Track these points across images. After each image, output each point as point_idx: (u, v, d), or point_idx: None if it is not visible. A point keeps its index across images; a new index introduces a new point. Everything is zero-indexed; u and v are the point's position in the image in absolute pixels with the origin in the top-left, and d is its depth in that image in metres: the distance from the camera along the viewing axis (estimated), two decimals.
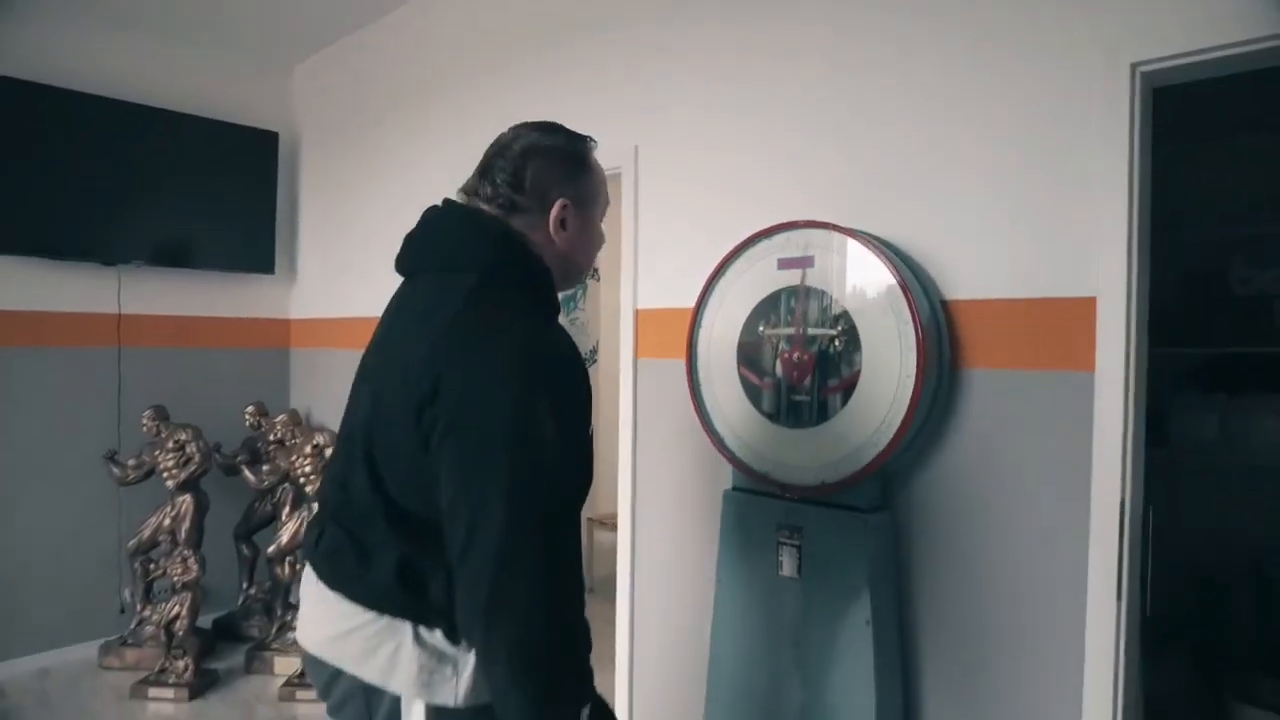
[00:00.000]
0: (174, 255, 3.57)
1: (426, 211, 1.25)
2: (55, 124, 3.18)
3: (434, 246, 1.21)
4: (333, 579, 1.17)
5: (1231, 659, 2.36)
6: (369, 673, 1.11)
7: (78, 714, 2.91)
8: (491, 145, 1.24)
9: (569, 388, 1.08)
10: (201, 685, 3.09)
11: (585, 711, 1.06)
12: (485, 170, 1.21)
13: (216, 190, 3.67)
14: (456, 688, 1.09)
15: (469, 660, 1.08)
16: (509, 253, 1.16)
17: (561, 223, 1.20)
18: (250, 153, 3.78)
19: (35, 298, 3.27)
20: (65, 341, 3.34)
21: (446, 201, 1.24)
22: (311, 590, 1.21)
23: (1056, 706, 1.61)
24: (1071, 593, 1.59)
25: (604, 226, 1.31)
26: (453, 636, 1.09)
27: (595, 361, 5.40)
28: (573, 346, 1.13)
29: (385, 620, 1.10)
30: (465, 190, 1.23)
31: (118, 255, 3.39)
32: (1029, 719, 1.65)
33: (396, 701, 1.11)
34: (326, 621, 1.17)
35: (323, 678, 1.19)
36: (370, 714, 1.14)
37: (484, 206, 1.20)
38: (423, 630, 1.09)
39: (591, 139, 1.27)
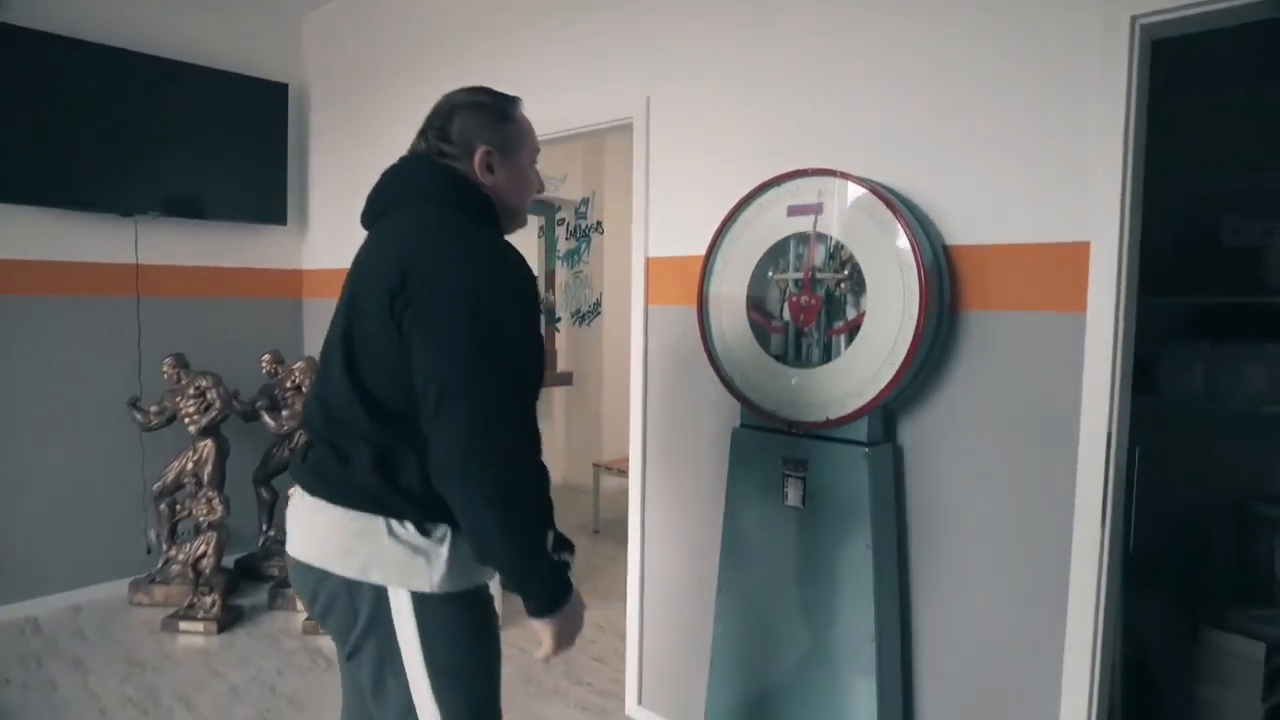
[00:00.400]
0: (188, 206, 3.63)
1: (383, 172, 1.40)
2: (68, 75, 3.22)
3: (390, 191, 1.37)
4: (313, 486, 1.29)
5: (1208, 593, 2.50)
6: (349, 569, 1.23)
7: (113, 646, 3.05)
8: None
9: (523, 284, 1.26)
10: (229, 620, 3.24)
11: (550, 536, 1.27)
12: (423, 130, 1.39)
13: (228, 141, 3.72)
14: (431, 576, 1.22)
15: (441, 552, 1.23)
16: (454, 183, 1.32)
17: (488, 167, 1.34)
18: (260, 104, 3.81)
19: (57, 248, 3.33)
20: (86, 291, 3.42)
21: (399, 159, 1.40)
22: (296, 504, 1.34)
23: (1042, 625, 1.74)
24: (1059, 521, 1.71)
25: (534, 173, 1.45)
26: (424, 530, 1.23)
27: (599, 314, 5.50)
28: (523, 260, 1.30)
29: (361, 518, 1.23)
30: (411, 150, 1.41)
31: (134, 206, 3.45)
32: (1016, 637, 1.78)
33: (376, 596, 1.23)
34: (308, 528, 1.30)
35: (308, 584, 1.30)
36: (355, 612, 1.25)
37: None
38: (394, 524, 1.22)
39: (517, 98, 1.42)
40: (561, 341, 5.69)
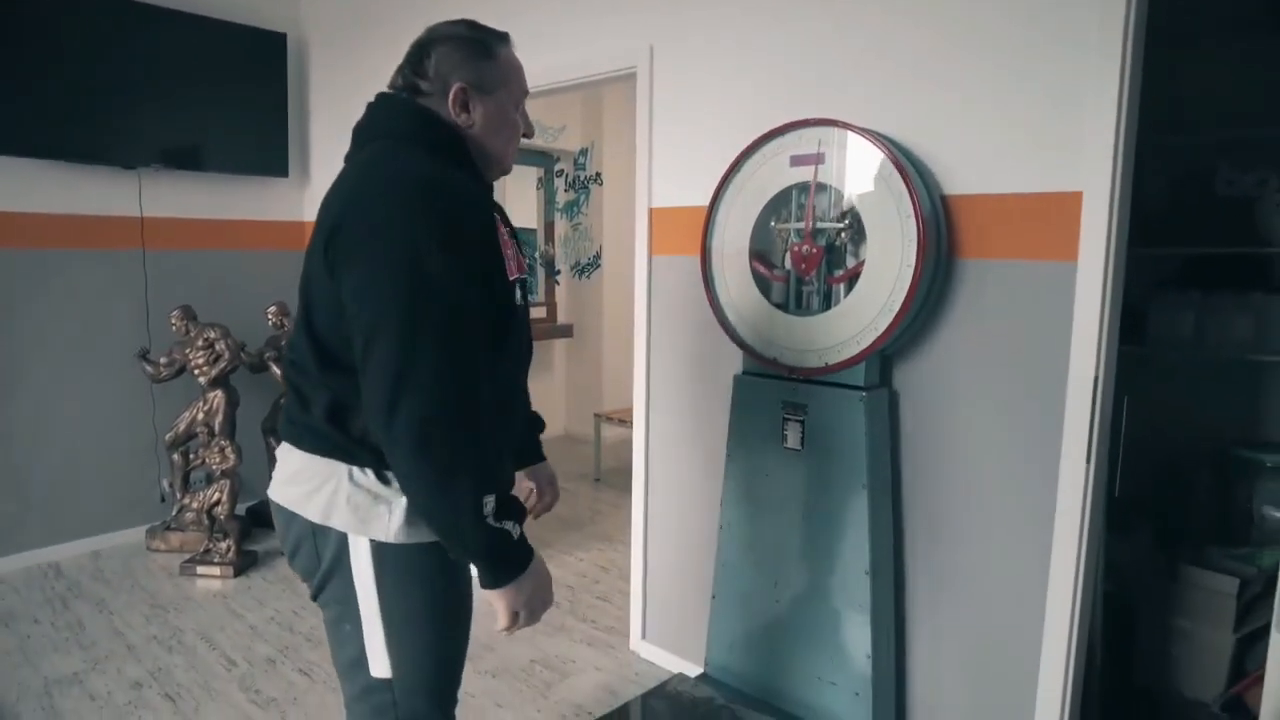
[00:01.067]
0: (189, 158, 3.64)
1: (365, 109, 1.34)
2: (68, 25, 3.20)
3: (362, 131, 1.31)
4: (284, 431, 1.30)
5: (1189, 534, 2.60)
6: (312, 512, 1.22)
7: (134, 589, 3.16)
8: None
9: (461, 221, 1.15)
10: (244, 564, 3.35)
11: (489, 501, 1.11)
12: (400, 65, 1.31)
13: (227, 93, 3.71)
14: (389, 525, 1.19)
15: (401, 501, 1.18)
16: (419, 121, 1.25)
17: (463, 105, 1.25)
18: (259, 54, 3.79)
19: (61, 200, 3.35)
20: (92, 244, 3.45)
21: (376, 95, 1.34)
22: (279, 451, 1.35)
23: (1028, 560, 1.83)
24: (1045, 463, 1.79)
25: (520, 118, 1.35)
26: (383, 478, 1.20)
27: (599, 266, 5.53)
28: (479, 196, 1.24)
29: (323, 462, 1.22)
30: (389, 86, 1.33)
31: (135, 158, 3.46)
32: (1003, 571, 1.88)
33: (339, 541, 1.22)
34: (281, 471, 1.31)
35: (281, 524, 1.31)
36: (318, 556, 1.25)
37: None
38: (355, 471, 1.20)
39: (504, 34, 1.32)
40: (561, 294, 5.73)
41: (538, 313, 5.56)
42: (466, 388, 1.11)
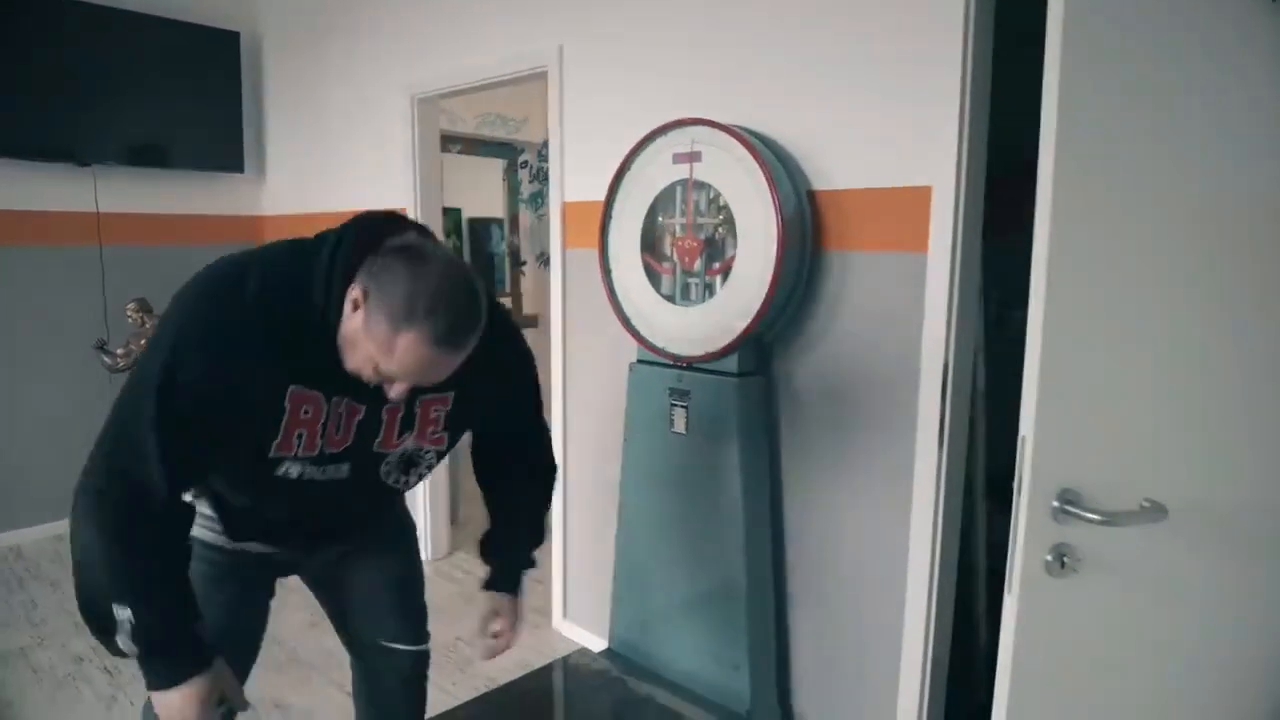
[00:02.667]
0: (146, 155, 3.74)
1: None
2: (17, 25, 3.30)
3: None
4: None
5: None
6: None
7: None
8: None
9: (191, 324, 1.11)
10: None
11: (124, 612, 1.09)
12: (378, 224, 1.20)
13: (182, 90, 3.81)
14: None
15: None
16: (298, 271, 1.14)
17: (354, 303, 1.09)
18: (213, 52, 3.89)
19: (16, 198, 3.46)
20: (49, 241, 3.57)
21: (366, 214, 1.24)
22: None
23: (892, 535, 1.93)
24: (904, 434, 1.88)
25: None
26: None
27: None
28: (225, 343, 1.10)
29: None
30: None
31: (91, 155, 3.56)
32: (870, 538, 1.98)
33: None
34: None
35: None
36: None
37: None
38: None
39: (428, 320, 1.05)
40: (527, 285, 5.82)
41: (504, 302, 5.66)
42: (119, 497, 1.12)
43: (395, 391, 1.12)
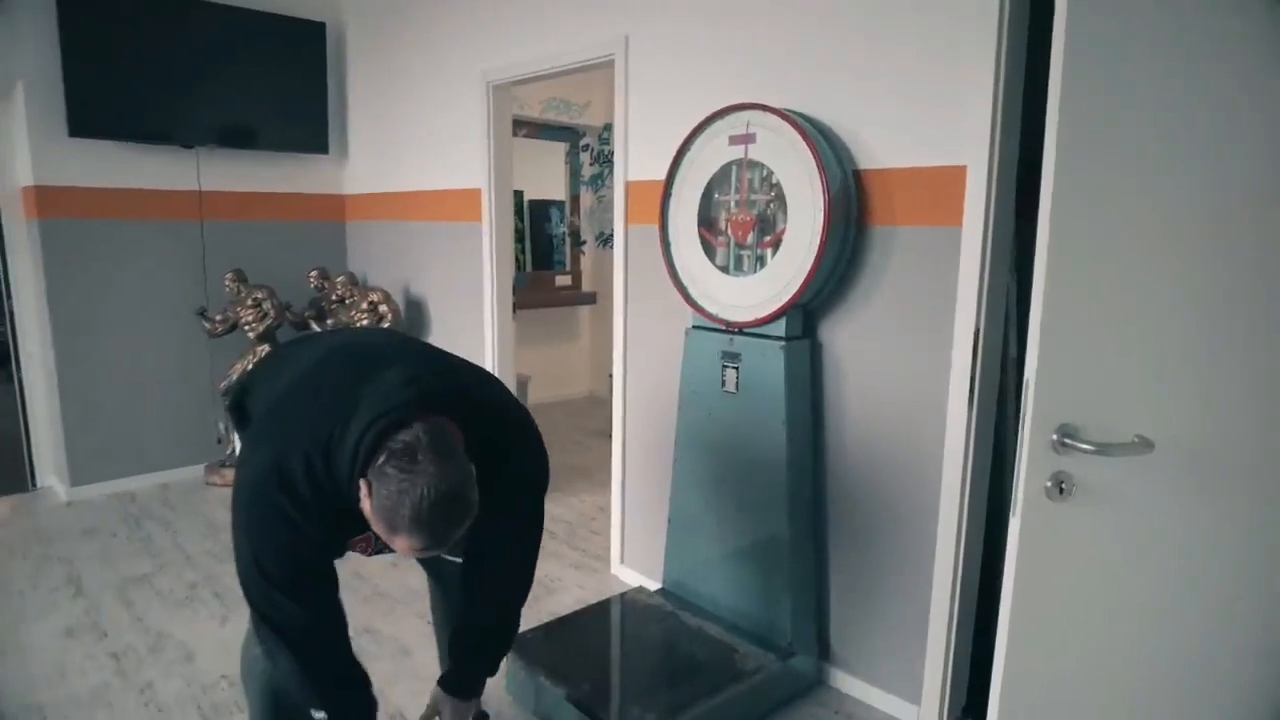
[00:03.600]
0: (241, 138, 4.08)
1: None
2: (137, 22, 3.65)
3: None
4: None
5: None
6: None
7: (194, 514, 3.66)
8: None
9: (257, 537, 1.38)
10: None
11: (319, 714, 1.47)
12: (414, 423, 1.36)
13: (274, 78, 4.13)
14: None
15: None
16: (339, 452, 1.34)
17: (364, 493, 1.30)
18: (301, 42, 4.20)
19: (132, 177, 3.83)
20: (158, 215, 3.93)
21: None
22: None
23: (924, 487, 2.11)
24: (938, 395, 2.06)
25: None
26: None
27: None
28: (281, 514, 1.34)
29: None
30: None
31: (194, 138, 3.91)
32: (901, 492, 2.16)
33: None
34: None
35: None
36: None
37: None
38: None
39: (412, 526, 1.26)
40: (586, 264, 6.07)
41: (563, 280, 5.93)
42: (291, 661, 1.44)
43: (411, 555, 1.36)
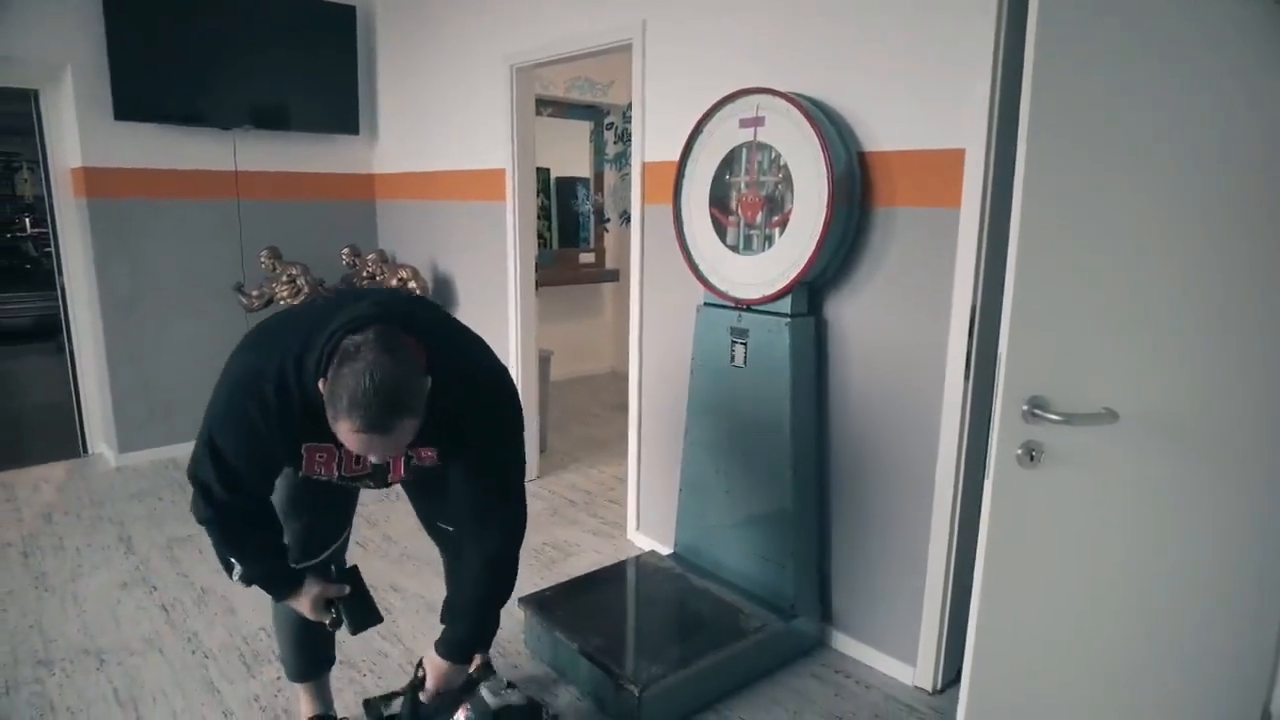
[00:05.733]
0: (275, 119, 4.23)
1: None
2: (173, 7, 3.80)
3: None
4: None
5: None
6: None
7: None
8: None
9: (219, 428, 1.51)
10: None
11: (234, 567, 1.60)
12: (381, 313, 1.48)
13: (306, 61, 4.27)
14: None
15: None
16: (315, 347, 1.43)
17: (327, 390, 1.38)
18: (331, 26, 4.32)
19: (174, 158, 4.00)
20: (198, 195, 4.10)
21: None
22: None
23: (921, 454, 2.20)
24: (935, 368, 2.14)
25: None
26: None
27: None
28: (252, 408, 1.46)
29: None
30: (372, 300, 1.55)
31: (231, 120, 4.06)
32: (900, 460, 2.26)
33: None
34: None
35: None
36: None
37: None
38: None
39: (354, 414, 1.31)
40: (610, 241, 6.17)
41: (586, 258, 6.04)
42: (208, 509, 1.57)
43: (371, 458, 1.44)
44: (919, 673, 2.29)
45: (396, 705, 1.93)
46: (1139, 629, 1.53)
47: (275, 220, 4.34)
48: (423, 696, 1.70)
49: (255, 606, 2.66)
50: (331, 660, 2.03)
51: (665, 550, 2.86)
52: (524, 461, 1.71)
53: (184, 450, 4.20)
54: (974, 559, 2.24)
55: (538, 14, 3.32)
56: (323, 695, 2.03)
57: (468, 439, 1.57)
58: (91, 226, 3.82)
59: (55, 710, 2.14)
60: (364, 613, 1.72)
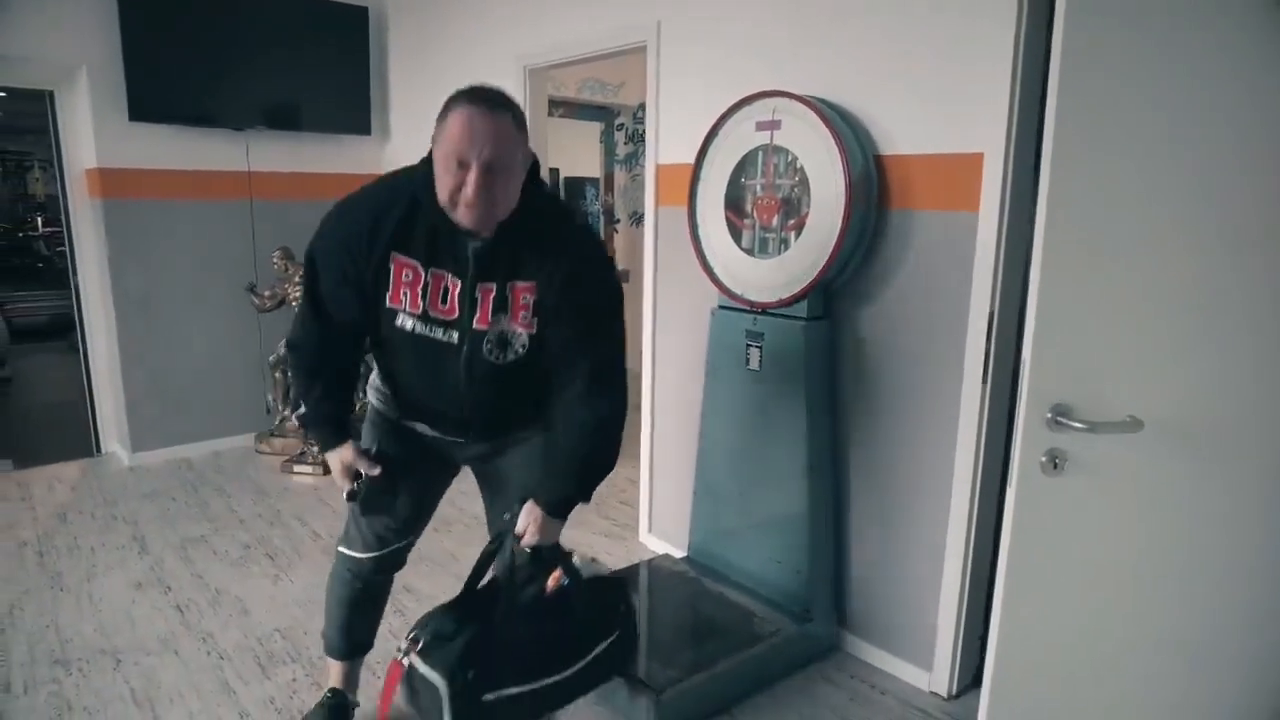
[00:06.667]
0: (287, 120, 4.24)
1: None
2: (187, 8, 3.81)
3: None
4: None
5: None
6: None
7: (246, 480, 3.87)
8: None
9: (316, 245, 1.63)
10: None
11: (299, 406, 1.74)
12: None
13: (318, 61, 4.27)
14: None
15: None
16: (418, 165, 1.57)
17: (429, 154, 1.50)
18: (343, 26, 4.33)
19: (187, 158, 4.01)
20: (211, 195, 4.11)
21: None
22: None
23: (937, 461, 2.19)
24: (952, 374, 2.14)
25: (447, 172, 1.43)
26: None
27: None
28: (345, 223, 1.58)
29: None
30: None
31: (244, 121, 4.07)
32: (916, 466, 2.25)
33: None
34: None
35: None
36: None
37: None
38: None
39: (459, 96, 1.45)
40: (620, 241, 6.16)
41: None
42: (298, 341, 1.71)
43: (470, 186, 1.41)
44: (934, 678, 2.28)
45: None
46: (1162, 637, 1.52)
47: (287, 221, 4.34)
48: (518, 548, 1.58)
49: (269, 608, 2.67)
50: (367, 647, 2.07)
51: (678, 553, 2.85)
52: (625, 343, 1.70)
53: (196, 450, 4.30)
54: (990, 564, 2.25)
55: (551, 15, 3.32)
56: (351, 677, 2.07)
57: (572, 298, 1.55)
58: (106, 227, 3.84)
59: (73, 710, 2.15)
60: (379, 501, 1.79)
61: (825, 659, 2.44)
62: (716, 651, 2.20)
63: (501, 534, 1.62)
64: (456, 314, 1.57)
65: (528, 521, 1.59)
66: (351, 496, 1.74)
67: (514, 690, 1.52)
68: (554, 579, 1.61)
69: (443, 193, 1.45)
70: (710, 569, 2.62)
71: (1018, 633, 1.48)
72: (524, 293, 1.56)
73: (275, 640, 2.49)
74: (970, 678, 2.29)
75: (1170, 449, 1.40)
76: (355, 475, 1.73)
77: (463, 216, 1.46)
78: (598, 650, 1.63)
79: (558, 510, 1.62)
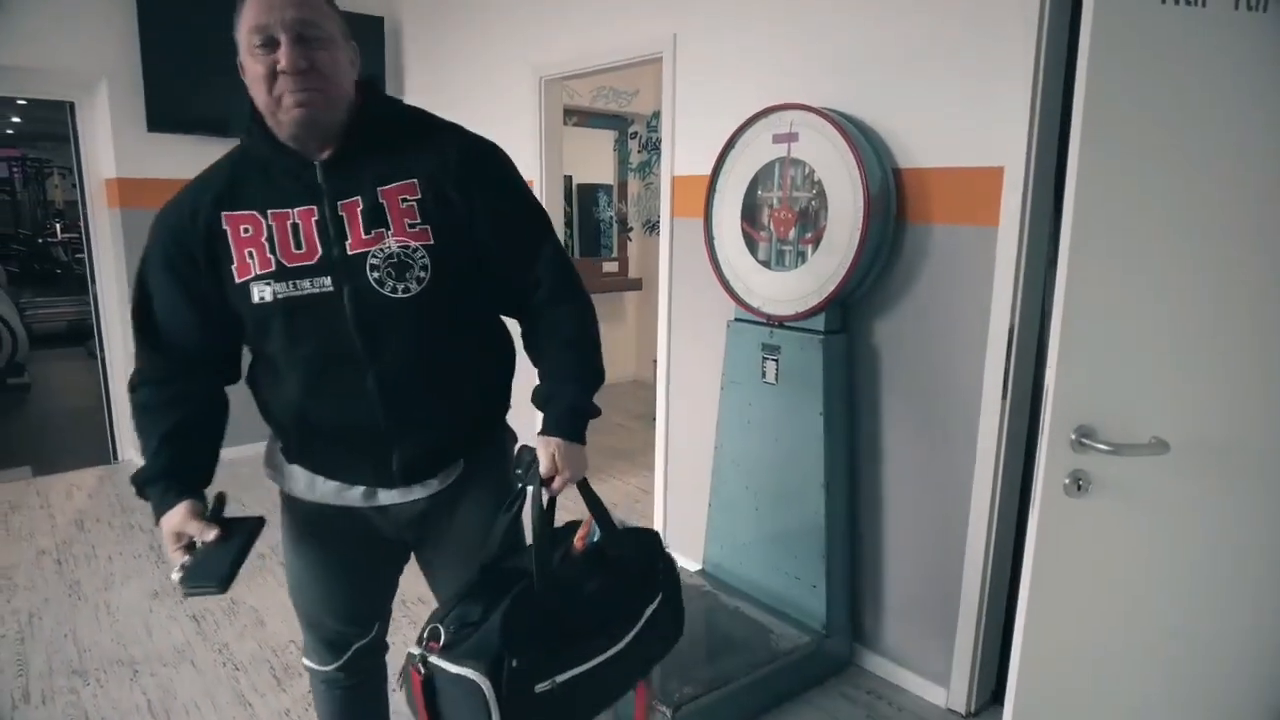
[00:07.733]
0: None
1: None
2: (205, 19, 3.83)
3: None
4: None
5: None
6: None
7: (259, 489, 3.86)
8: None
9: (143, 260, 1.32)
10: None
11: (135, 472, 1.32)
12: None
13: None
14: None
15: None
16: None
17: (240, 67, 1.26)
18: (359, 35, 4.28)
19: (182, 168, 4.01)
20: None
21: None
22: None
23: (956, 477, 2.18)
24: (971, 390, 2.12)
25: (255, 60, 1.22)
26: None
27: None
28: (168, 217, 1.31)
29: None
30: None
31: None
32: (933, 482, 2.23)
33: None
34: None
35: None
36: None
37: None
38: None
39: None
40: (633, 250, 6.17)
41: (610, 267, 6.03)
42: (139, 369, 1.35)
43: (285, 58, 1.17)
44: (952, 694, 2.26)
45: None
46: (1186, 659, 1.50)
47: None
48: (553, 489, 1.30)
49: (285, 619, 2.68)
50: None
51: (692, 566, 2.84)
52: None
53: (241, 453, 4.27)
54: (1009, 580, 2.23)
55: (567, 26, 3.32)
56: None
57: (482, 172, 1.34)
58: (125, 236, 3.87)
59: None
60: (209, 569, 1.19)
61: (842, 675, 2.42)
62: (733, 668, 2.19)
63: (517, 493, 1.33)
64: (320, 250, 1.23)
65: (548, 457, 1.29)
66: (183, 579, 1.18)
67: (568, 674, 1.23)
68: (581, 534, 1.38)
69: (260, 94, 1.20)
70: (725, 583, 2.61)
71: (1041, 653, 1.46)
72: (401, 194, 1.25)
73: (290, 652, 2.50)
74: (989, 695, 2.27)
75: (1197, 470, 1.38)
76: (189, 546, 1.22)
77: (291, 115, 1.19)
78: (646, 615, 1.38)
79: (573, 428, 1.34)
